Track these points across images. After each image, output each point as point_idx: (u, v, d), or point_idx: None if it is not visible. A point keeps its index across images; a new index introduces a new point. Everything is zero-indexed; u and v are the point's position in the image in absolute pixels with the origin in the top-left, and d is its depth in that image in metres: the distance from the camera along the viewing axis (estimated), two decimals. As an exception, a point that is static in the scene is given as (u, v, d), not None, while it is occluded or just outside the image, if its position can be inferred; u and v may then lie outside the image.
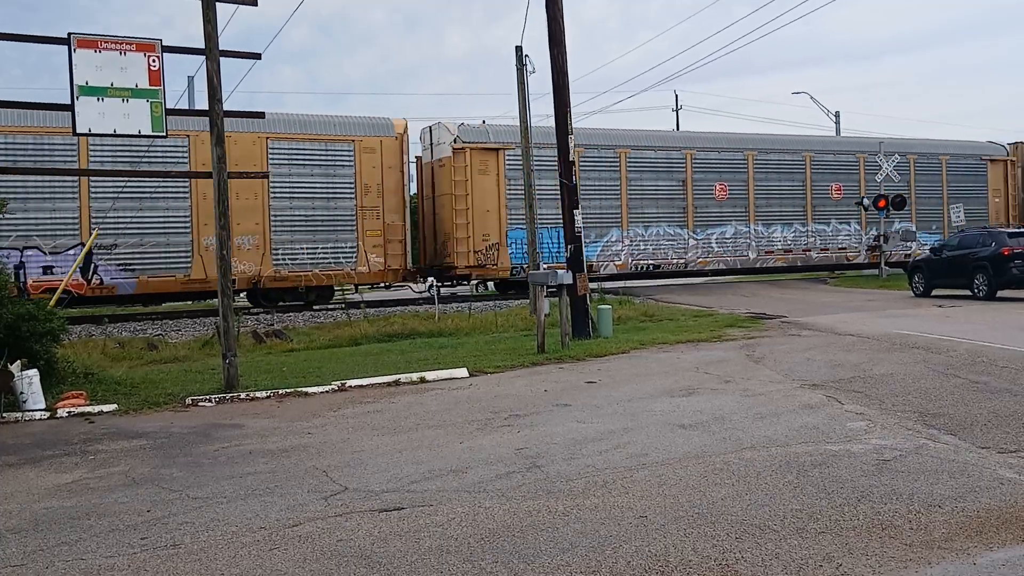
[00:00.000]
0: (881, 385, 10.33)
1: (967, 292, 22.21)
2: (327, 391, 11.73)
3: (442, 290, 25.20)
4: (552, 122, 16.60)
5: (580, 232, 16.24)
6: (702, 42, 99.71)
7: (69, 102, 11.36)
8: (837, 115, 46.86)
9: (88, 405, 10.92)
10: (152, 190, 22.22)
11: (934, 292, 23.29)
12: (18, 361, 11.20)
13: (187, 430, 9.49)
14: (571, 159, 16.25)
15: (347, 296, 22.82)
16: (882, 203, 30.39)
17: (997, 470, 6.66)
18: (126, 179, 21.17)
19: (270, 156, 23.50)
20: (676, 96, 67.90)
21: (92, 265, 21.62)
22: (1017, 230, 24.51)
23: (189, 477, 7.42)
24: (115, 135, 12.22)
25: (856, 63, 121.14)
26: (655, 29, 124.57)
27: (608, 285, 25.98)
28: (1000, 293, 21.61)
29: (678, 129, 46.20)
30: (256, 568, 5.18)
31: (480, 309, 22.92)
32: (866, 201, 30.97)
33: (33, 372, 10.96)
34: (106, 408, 10.82)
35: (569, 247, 16.25)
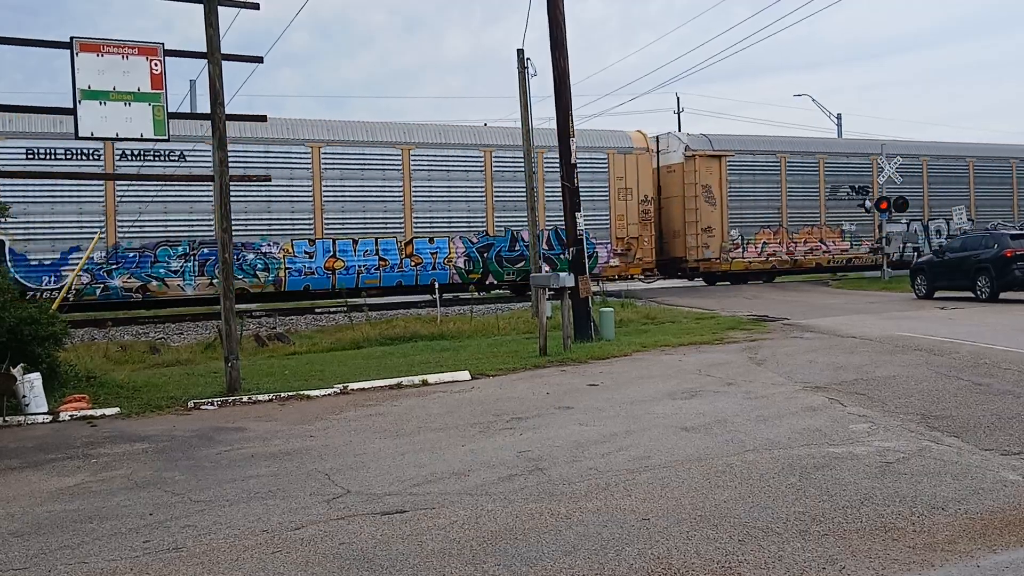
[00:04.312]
0: (884, 387, 10.31)
1: (970, 294, 22.18)
2: (329, 394, 11.73)
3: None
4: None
5: (582, 235, 16.24)
6: (703, 44, 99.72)
7: (71, 106, 11.38)
8: (839, 117, 46.87)
9: (90, 408, 10.93)
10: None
11: (936, 294, 23.26)
12: (20, 365, 11.20)
13: (189, 433, 9.49)
14: (573, 161, 16.26)
15: (348, 301, 23.01)
16: (883, 205, 30.47)
17: (1000, 472, 6.64)
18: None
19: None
20: (678, 98, 67.97)
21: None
22: (1020, 231, 24.49)
23: (191, 480, 7.42)
24: (117, 139, 12.24)
25: (858, 64, 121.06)
26: (656, 32, 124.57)
27: (611, 288, 26.54)
28: (1003, 295, 21.58)
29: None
30: (258, 571, 5.17)
31: (481, 312, 22.92)
32: (868, 203, 31.03)
33: (35, 376, 10.97)
34: (108, 411, 10.83)
35: (571, 249, 16.25)
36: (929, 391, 9.97)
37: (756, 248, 30.84)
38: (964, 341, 13.81)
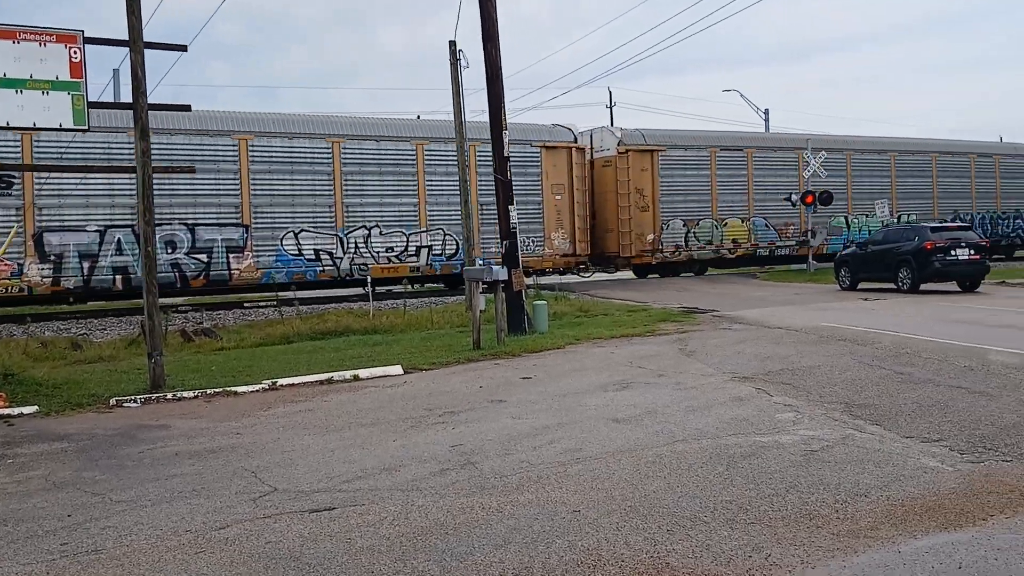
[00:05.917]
0: (809, 377, 10.52)
1: (892, 285, 22.83)
2: (257, 390, 11.51)
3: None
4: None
5: (515, 228, 16.23)
6: (635, 39, 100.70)
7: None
8: (766, 112, 47.75)
9: (7, 407, 10.55)
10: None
11: (860, 285, 23.88)
12: (-69, 363, 10.77)
13: (111, 431, 9.22)
14: (505, 155, 16.22)
15: (279, 294, 22.59)
16: (809, 199, 31.07)
17: (920, 459, 6.82)
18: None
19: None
20: (610, 92, 68.53)
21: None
22: (939, 224, 25.28)
23: (112, 480, 7.20)
24: (34, 128, 11.82)
25: (787, 62, 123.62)
26: (589, 26, 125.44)
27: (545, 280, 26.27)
28: (923, 286, 22.27)
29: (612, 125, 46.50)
30: (181, 572, 5.04)
31: (415, 306, 22.77)
32: (794, 197, 31.62)
33: (-52, 374, 10.56)
34: (26, 410, 10.46)
35: (504, 243, 16.23)
36: (852, 380, 10.20)
37: None
38: (886, 331, 14.18)
